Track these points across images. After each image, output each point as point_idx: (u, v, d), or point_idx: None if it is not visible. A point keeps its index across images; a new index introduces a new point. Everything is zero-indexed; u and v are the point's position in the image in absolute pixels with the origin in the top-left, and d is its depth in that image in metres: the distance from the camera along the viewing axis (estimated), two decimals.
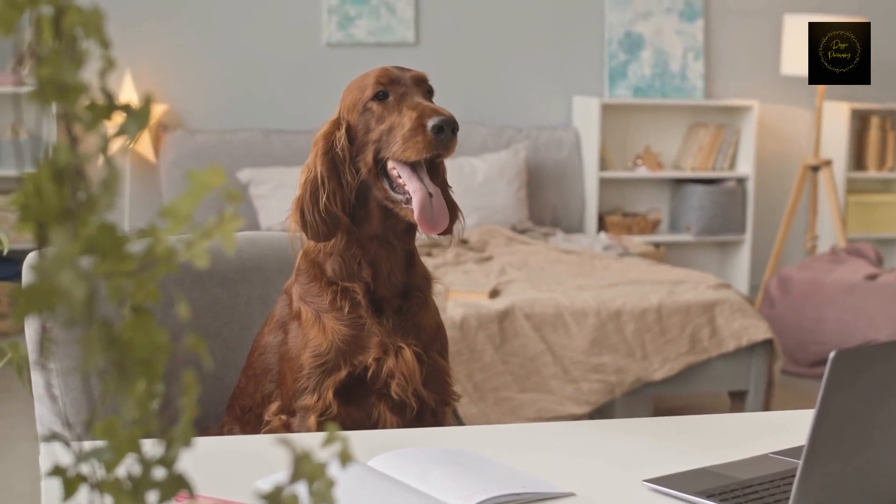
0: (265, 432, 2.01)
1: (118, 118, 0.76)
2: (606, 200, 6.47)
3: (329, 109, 2.07)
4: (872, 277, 5.38)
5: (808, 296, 5.45)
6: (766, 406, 4.64)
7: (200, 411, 1.75)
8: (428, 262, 4.72)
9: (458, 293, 4.55)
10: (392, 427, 1.98)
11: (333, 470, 0.76)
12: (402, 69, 2.01)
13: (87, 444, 0.78)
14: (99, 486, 0.75)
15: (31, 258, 1.98)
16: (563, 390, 4.41)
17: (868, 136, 6.69)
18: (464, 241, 5.43)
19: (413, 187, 1.94)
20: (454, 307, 4.39)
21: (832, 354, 1.39)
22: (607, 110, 6.37)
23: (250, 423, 2.08)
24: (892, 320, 5.20)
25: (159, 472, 0.76)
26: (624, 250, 5.66)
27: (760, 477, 1.67)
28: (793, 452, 1.77)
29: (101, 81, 0.74)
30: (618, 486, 1.67)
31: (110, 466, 0.75)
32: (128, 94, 5.75)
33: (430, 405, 2.03)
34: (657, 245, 6.32)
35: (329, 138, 2.01)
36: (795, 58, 6.07)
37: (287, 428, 2.00)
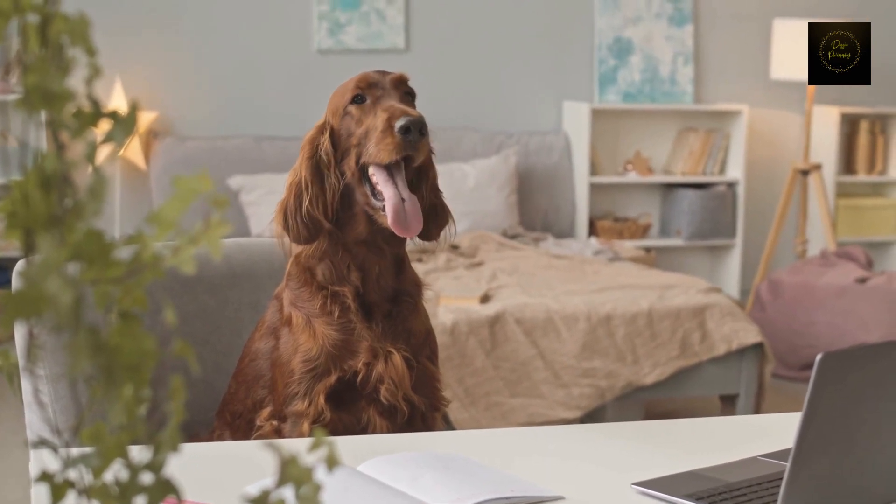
0: (256, 438, 2.02)
1: (105, 125, 0.76)
2: (597, 205, 6.47)
3: (320, 116, 2.09)
4: (863, 281, 5.40)
5: (798, 299, 5.46)
6: (757, 409, 4.65)
7: (190, 417, 1.75)
8: (418, 268, 4.72)
9: (449, 299, 4.55)
10: (382, 432, 1.99)
11: (321, 474, 0.77)
12: (383, 73, 2.03)
13: (75, 450, 0.78)
14: (87, 492, 0.75)
15: (20, 265, 1.98)
16: (554, 395, 4.41)
17: (858, 140, 6.71)
18: (454, 247, 5.43)
19: (388, 193, 1.95)
20: (445, 312, 4.39)
21: (819, 357, 1.39)
22: (597, 115, 6.38)
23: (241, 428, 2.08)
24: (883, 323, 5.22)
25: (147, 478, 0.76)
26: (614, 255, 5.67)
27: (749, 480, 1.68)
28: (781, 455, 1.77)
29: (87, 89, 0.74)
30: (607, 489, 1.68)
31: (98, 472, 0.76)
32: (118, 101, 5.74)
33: (421, 410, 2.03)
34: (648, 249, 6.33)
35: (314, 143, 2.03)
36: (785, 62, 6.08)
37: (278, 434, 2.00)
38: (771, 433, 1.94)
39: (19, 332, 1.95)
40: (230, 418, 2.11)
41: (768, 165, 6.76)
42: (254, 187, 5.69)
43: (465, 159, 6.05)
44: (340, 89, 2.05)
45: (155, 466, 0.76)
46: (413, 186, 2.03)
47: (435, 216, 2.08)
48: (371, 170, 1.98)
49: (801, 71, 5.91)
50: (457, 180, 5.85)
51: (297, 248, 2.04)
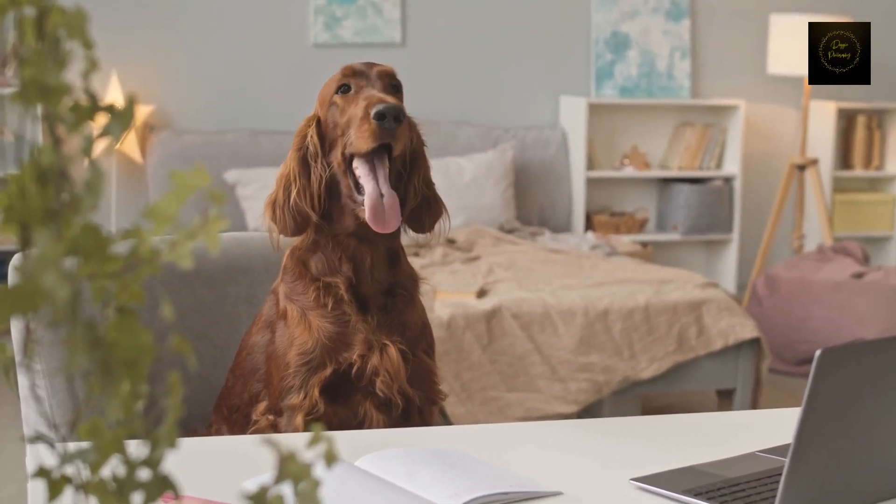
0: (252, 432, 2.01)
1: (102, 119, 0.76)
2: (594, 200, 6.47)
3: None
4: (859, 276, 5.40)
5: (795, 294, 5.47)
6: (754, 404, 4.65)
7: (187, 412, 1.75)
8: (415, 262, 4.72)
9: (446, 293, 4.55)
10: (378, 425, 1.98)
11: (319, 470, 0.76)
12: (370, 64, 2.03)
13: (72, 446, 0.77)
14: (84, 488, 0.75)
15: (16, 259, 1.98)
16: (551, 390, 4.41)
17: (854, 135, 6.71)
18: (451, 241, 5.43)
19: (368, 188, 1.95)
20: (442, 307, 4.39)
21: (818, 352, 1.39)
22: (594, 110, 6.37)
23: (238, 423, 2.08)
24: (879, 318, 5.22)
25: (144, 473, 0.76)
26: (611, 249, 5.67)
27: (747, 475, 1.67)
28: (780, 450, 1.77)
29: (84, 82, 0.74)
30: (605, 484, 1.67)
31: (95, 467, 0.75)
32: (114, 94, 5.73)
33: (417, 404, 2.03)
34: (644, 244, 6.33)
35: (302, 134, 2.03)
36: (782, 57, 6.08)
37: (274, 428, 2.00)
38: (768, 428, 1.94)
39: (16, 327, 1.95)
40: (227, 413, 2.11)
41: (765, 160, 6.76)
42: (250, 181, 5.68)
43: (462, 154, 6.04)
44: (328, 81, 2.05)
45: (152, 462, 0.75)
46: (404, 179, 2.02)
47: (428, 208, 2.07)
48: (355, 163, 1.98)
49: (797, 66, 5.91)
50: (453, 175, 5.85)
51: (285, 241, 2.05)
